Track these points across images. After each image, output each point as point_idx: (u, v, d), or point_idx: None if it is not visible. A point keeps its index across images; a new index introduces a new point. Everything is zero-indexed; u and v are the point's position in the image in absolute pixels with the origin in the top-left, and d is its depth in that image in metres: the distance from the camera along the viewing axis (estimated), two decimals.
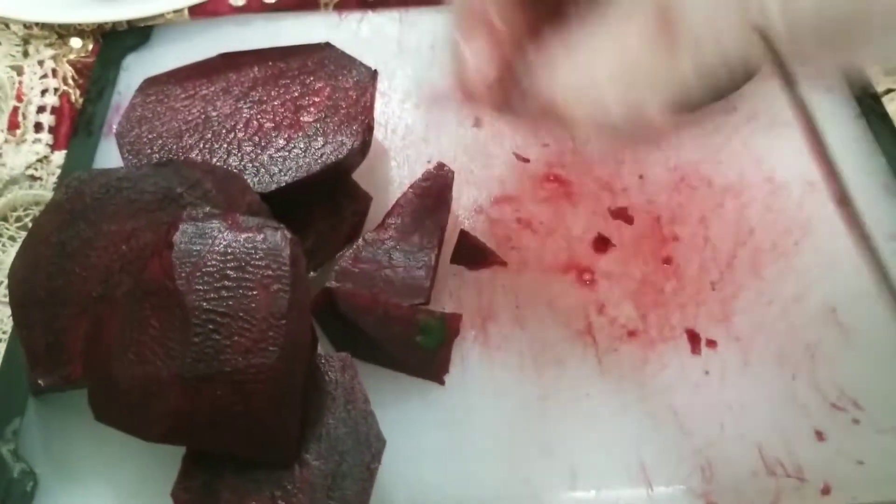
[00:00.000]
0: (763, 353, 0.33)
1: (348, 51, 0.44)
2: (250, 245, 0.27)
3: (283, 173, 0.33)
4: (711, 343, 0.33)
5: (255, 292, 0.26)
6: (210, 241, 0.27)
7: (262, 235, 0.27)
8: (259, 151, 0.34)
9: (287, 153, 0.34)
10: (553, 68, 0.25)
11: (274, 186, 0.33)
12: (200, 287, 0.26)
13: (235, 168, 0.33)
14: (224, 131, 0.34)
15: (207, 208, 0.29)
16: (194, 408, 0.26)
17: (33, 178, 0.41)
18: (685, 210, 0.38)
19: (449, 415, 0.32)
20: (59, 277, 0.30)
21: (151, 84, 0.36)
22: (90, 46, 0.46)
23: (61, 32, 0.47)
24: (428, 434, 0.31)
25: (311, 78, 0.36)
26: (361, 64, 0.37)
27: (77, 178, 0.32)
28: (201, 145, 0.34)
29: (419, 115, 0.42)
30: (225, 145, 0.34)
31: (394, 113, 0.42)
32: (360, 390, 0.29)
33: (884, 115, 0.42)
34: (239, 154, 0.34)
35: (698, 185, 0.39)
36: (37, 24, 0.46)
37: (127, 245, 0.31)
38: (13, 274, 0.31)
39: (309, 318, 0.30)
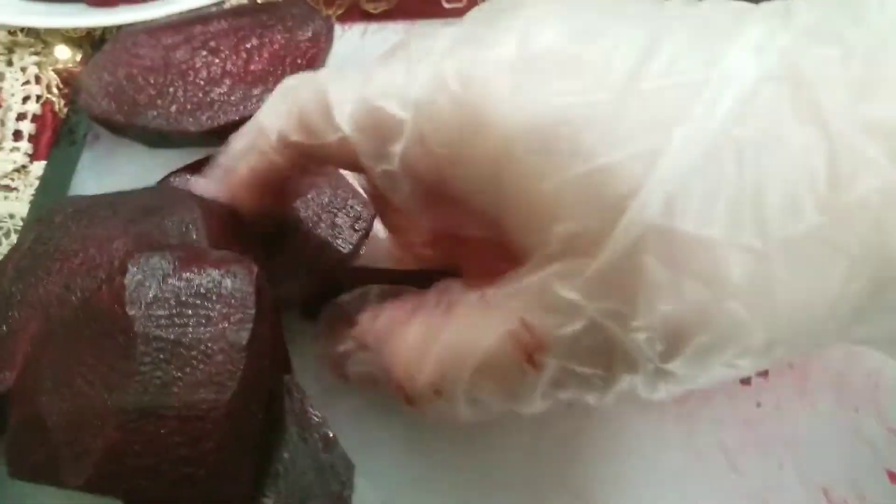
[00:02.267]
0: (820, 382, 0.29)
1: (350, 62, 0.41)
2: (213, 276, 0.25)
3: (219, 115, 0.35)
4: (762, 372, 0.30)
5: (214, 323, 0.24)
6: (169, 269, 0.25)
7: (226, 268, 0.25)
8: (202, 95, 0.35)
9: (227, 98, 0.35)
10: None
11: (209, 125, 0.34)
12: (152, 313, 0.23)
13: (179, 107, 0.35)
14: (176, 76, 0.36)
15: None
16: (132, 448, 0.22)
17: (8, 188, 0.37)
18: None
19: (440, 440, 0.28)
20: (21, 280, 0.28)
21: (126, 35, 0.38)
22: (78, 57, 0.44)
23: (47, 40, 0.44)
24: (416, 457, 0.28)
25: (270, 31, 0.38)
26: (320, 17, 0.38)
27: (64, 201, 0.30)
28: (150, 89, 0.36)
29: None
30: (172, 89, 0.36)
31: None
32: (313, 413, 0.26)
33: None
34: (184, 96, 0.35)
35: None
36: (21, 30, 0.43)
37: (97, 251, 0.28)
38: None
39: (275, 353, 0.27)
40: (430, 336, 0.23)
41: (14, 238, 0.36)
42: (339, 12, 0.45)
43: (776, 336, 0.17)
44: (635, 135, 0.17)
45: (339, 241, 0.32)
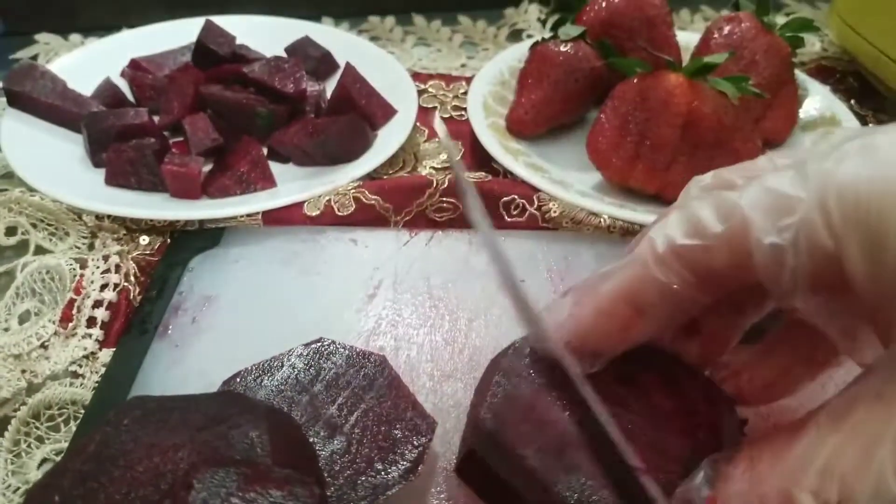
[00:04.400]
0: None
1: (417, 270, 0.43)
2: (276, 498, 0.25)
3: None
4: None
5: None
6: (234, 487, 0.25)
7: (290, 489, 0.26)
8: None
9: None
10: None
11: None
12: None
13: None
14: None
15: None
16: None
17: (75, 374, 0.39)
18: None
19: None
20: (83, 485, 0.28)
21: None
22: (157, 244, 0.46)
23: (131, 228, 0.47)
24: None
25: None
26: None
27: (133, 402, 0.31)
28: None
29: (487, 338, 0.40)
30: None
31: (461, 332, 0.40)
32: None
33: None
34: None
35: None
36: (108, 216, 0.46)
37: (161, 459, 0.28)
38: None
39: None
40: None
41: (73, 425, 0.36)
42: (407, 219, 0.48)
43: None
44: None
45: (397, 457, 0.32)
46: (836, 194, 0.21)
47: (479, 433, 0.30)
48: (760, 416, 0.35)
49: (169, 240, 0.47)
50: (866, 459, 0.21)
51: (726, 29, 0.57)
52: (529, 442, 0.30)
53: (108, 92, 0.58)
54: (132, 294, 0.43)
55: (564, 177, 0.52)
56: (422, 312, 0.41)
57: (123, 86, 0.60)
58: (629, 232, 0.47)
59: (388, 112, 0.57)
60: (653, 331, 0.29)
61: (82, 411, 0.37)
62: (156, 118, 0.55)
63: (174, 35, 0.64)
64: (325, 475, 0.31)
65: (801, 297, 0.24)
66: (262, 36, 0.65)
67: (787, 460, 0.23)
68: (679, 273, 0.26)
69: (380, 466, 0.31)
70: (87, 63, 0.61)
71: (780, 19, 0.57)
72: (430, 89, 0.66)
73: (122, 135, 0.52)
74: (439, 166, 0.56)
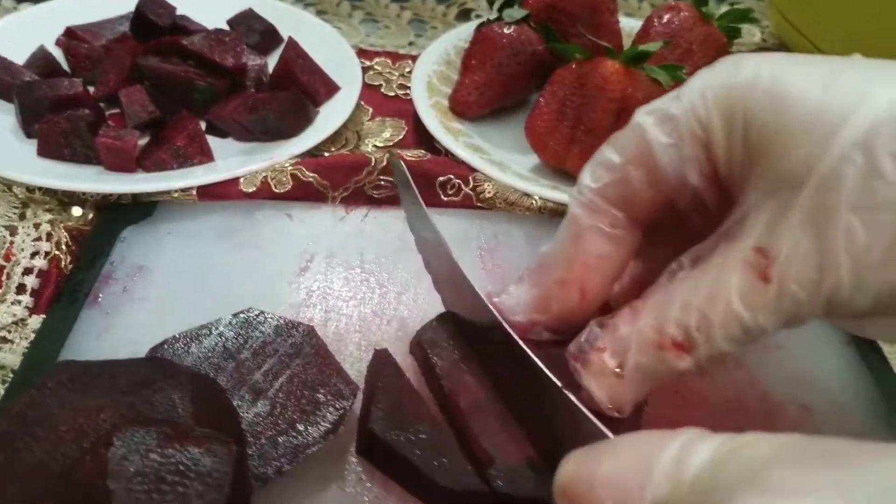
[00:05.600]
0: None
1: (351, 245, 0.45)
2: (193, 454, 0.27)
3: None
4: None
5: (189, 501, 0.26)
6: (153, 445, 0.27)
7: (207, 446, 0.27)
8: None
9: None
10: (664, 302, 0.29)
11: None
12: (132, 488, 0.26)
13: None
14: None
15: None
16: None
17: (4, 340, 0.40)
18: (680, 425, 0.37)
19: None
20: (8, 445, 0.29)
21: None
22: (90, 216, 0.47)
23: (63, 200, 0.48)
24: None
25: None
26: None
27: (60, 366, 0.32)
28: None
29: (415, 310, 0.42)
30: None
31: (389, 304, 0.42)
32: None
33: (872, 345, 0.43)
34: None
35: (694, 400, 0.38)
36: (40, 189, 0.47)
37: (85, 420, 0.30)
38: None
39: None
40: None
41: (0, 389, 0.37)
42: (345, 195, 0.50)
43: None
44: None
45: (319, 419, 0.34)
46: (699, 93, 0.28)
47: (375, 416, 0.34)
48: (703, 402, 0.38)
49: (102, 212, 0.48)
50: (716, 290, 0.27)
51: (665, 18, 0.60)
52: (423, 418, 0.34)
53: (41, 61, 0.58)
54: (63, 263, 0.44)
55: (503, 158, 0.55)
56: (353, 286, 0.43)
57: (58, 55, 0.60)
58: (559, 213, 0.49)
59: (331, 89, 0.59)
60: (607, 282, 0.33)
61: (11, 376, 0.38)
62: (91, 89, 0.55)
63: (112, 4, 0.64)
64: (249, 437, 0.33)
65: (701, 184, 0.30)
66: (204, 7, 0.65)
67: (658, 302, 0.29)
68: (607, 213, 0.32)
69: (301, 427, 0.34)
70: (20, 30, 0.60)
71: (725, 8, 0.61)
72: (376, 66, 0.68)
73: (55, 105, 0.51)
74: (382, 145, 0.58)
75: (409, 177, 0.38)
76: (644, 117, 0.31)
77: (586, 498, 0.24)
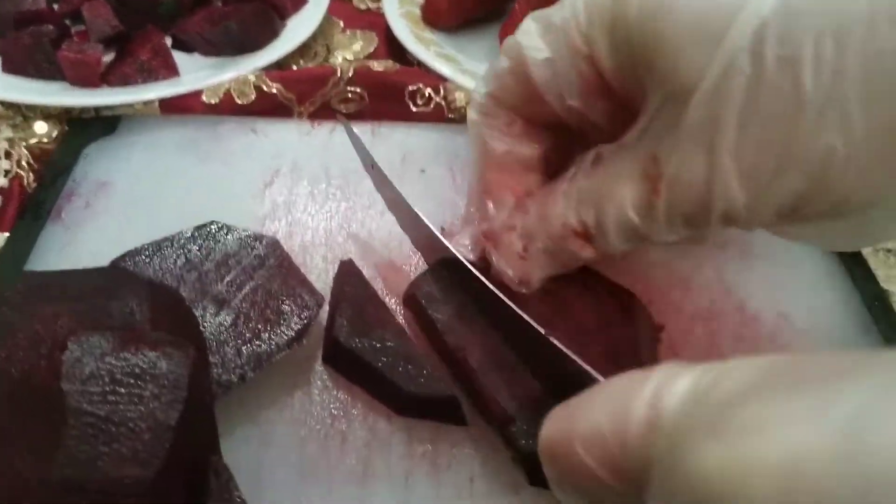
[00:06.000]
0: None
1: (317, 160, 0.45)
2: (149, 357, 0.27)
3: None
4: None
5: (145, 403, 0.26)
6: (108, 348, 0.27)
7: (163, 350, 0.27)
8: None
9: None
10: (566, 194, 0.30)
11: None
12: (86, 389, 0.26)
13: None
14: None
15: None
16: None
17: None
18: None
19: None
20: None
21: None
22: (54, 133, 0.47)
23: (27, 115, 0.47)
24: None
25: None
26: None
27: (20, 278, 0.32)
28: None
29: (383, 222, 0.42)
30: None
31: (356, 218, 0.42)
32: (237, 494, 0.28)
33: (854, 252, 0.43)
34: None
35: (667, 309, 0.38)
36: (2, 103, 0.46)
37: (42, 327, 0.30)
38: None
39: (204, 435, 0.29)
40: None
41: None
42: (312, 109, 0.49)
43: None
44: None
45: (283, 328, 0.34)
46: (583, 6, 0.27)
47: (339, 324, 0.34)
48: (678, 312, 0.38)
49: (65, 128, 0.47)
50: (610, 195, 0.27)
51: None
52: (387, 326, 0.34)
53: None
54: (26, 181, 0.44)
55: (475, 68, 0.53)
56: (318, 200, 0.43)
57: None
58: None
59: (298, 1, 0.57)
60: (518, 184, 0.33)
61: None
62: (56, 6, 0.54)
63: None
64: (213, 346, 0.33)
65: (580, 103, 0.29)
66: None
67: (564, 193, 0.30)
68: (502, 115, 0.32)
69: (266, 336, 0.34)
70: None
71: None
72: None
73: (19, 22, 0.51)
74: (352, 57, 0.56)
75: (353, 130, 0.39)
76: (529, 23, 0.29)
77: (566, 459, 0.22)
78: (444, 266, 0.35)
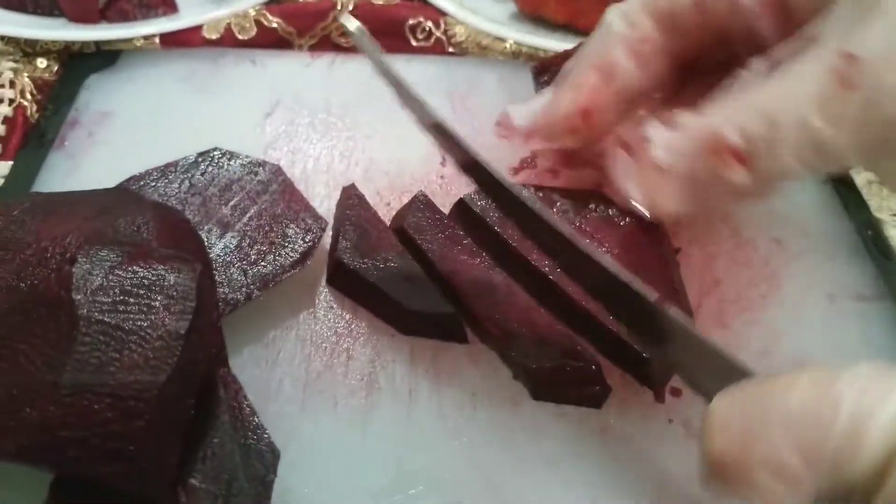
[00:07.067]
0: None
1: (317, 91, 0.44)
2: (158, 270, 0.27)
3: None
4: (676, 391, 0.32)
5: (155, 312, 0.26)
6: (117, 262, 0.27)
7: (172, 264, 0.28)
8: None
9: None
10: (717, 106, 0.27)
11: None
12: (97, 299, 0.26)
13: None
14: None
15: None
16: (65, 421, 0.24)
17: None
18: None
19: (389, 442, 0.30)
20: None
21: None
22: (55, 68, 0.47)
23: (27, 51, 0.47)
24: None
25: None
26: None
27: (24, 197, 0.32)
28: None
29: (383, 152, 0.42)
30: None
31: (357, 147, 0.42)
32: (246, 404, 0.29)
33: (850, 184, 0.43)
34: None
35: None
36: (3, 38, 0.46)
37: (50, 243, 0.30)
38: None
39: (213, 348, 0.30)
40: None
41: None
42: (312, 42, 0.49)
43: None
44: None
45: (288, 251, 0.35)
46: None
47: (342, 246, 0.34)
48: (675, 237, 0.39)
49: (66, 61, 0.47)
50: (791, 97, 0.24)
51: None
52: (390, 247, 0.35)
53: None
54: (30, 111, 0.44)
55: (476, 6, 0.53)
56: (319, 130, 0.43)
57: None
58: (533, 58, 0.48)
59: None
60: (615, 102, 0.31)
61: None
62: None
63: None
64: (217, 267, 0.34)
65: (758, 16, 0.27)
66: None
67: (724, 106, 0.26)
68: (643, 27, 0.30)
69: (271, 258, 0.34)
70: None
71: None
72: None
73: None
74: None
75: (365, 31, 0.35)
76: None
77: (754, 435, 0.21)
78: (423, 197, 0.35)
